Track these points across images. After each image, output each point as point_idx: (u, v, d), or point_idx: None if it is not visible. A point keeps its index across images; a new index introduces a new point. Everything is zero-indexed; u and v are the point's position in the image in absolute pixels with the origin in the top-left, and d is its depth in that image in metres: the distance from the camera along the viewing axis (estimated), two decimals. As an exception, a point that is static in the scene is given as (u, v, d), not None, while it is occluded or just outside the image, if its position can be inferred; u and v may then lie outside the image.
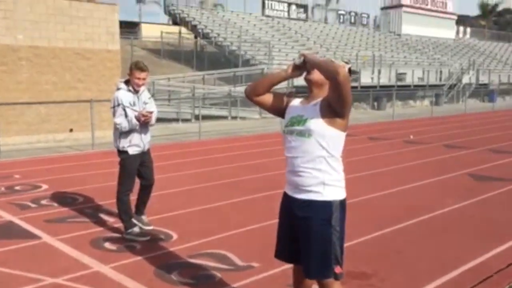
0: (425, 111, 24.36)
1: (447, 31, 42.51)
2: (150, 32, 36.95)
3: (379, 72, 27.44)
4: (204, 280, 4.08)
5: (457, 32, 45.38)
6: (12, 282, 3.97)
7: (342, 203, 2.86)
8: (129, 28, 42.89)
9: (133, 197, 5.25)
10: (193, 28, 28.65)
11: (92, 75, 13.42)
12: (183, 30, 30.55)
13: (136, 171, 5.11)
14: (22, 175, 8.22)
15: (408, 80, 29.03)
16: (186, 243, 4.95)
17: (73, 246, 4.82)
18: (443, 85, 31.15)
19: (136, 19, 46.37)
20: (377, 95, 25.67)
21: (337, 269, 2.76)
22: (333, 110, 2.74)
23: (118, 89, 5.04)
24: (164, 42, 29.53)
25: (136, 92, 5.02)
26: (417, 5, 40.01)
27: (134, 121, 4.85)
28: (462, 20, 48.23)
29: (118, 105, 4.91)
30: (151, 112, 4.97)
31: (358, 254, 4.60)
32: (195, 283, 4.02)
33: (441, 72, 32.43)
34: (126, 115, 4.89)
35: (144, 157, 5.14)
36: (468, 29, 48.28)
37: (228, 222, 5.68)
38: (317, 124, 2.76)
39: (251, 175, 8.06)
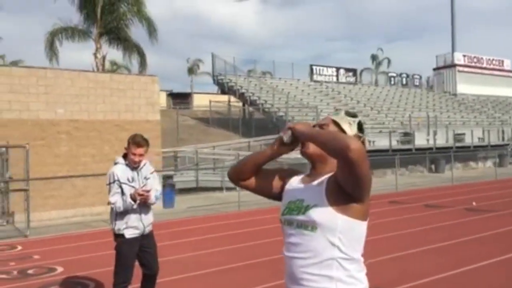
0: (488, 173, 22.54)
1: (506, 89, 40.57)
2: (201, 101, 37.66)
3: (435, 133, 26.04)
4: None
5: (517, 89, 43.28)
6: None
7: None
8: (182, 98, 44.21)
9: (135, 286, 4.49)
10: (241, 96, 28.73)
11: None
12: (232, 98, 30.78)
13: (134, 258, 4.38)
14: (42, 255, 7.69)
15: (467, 141, 27.35)
16: None
17: None
18: (507, 144, 29.14)
19: (188, 90, 47.68)
20: (434, 157, 24.19)
21: None
22: (345, 193, 1.93)
23: (115, 163, 4.44)
24: (212, 111, 29.78)
25: (135, 167, 4.40)
26: (472, 64, 38.70)
27: (129, 200, 4.20)
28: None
29: (114, 181, 4.29)
30: (148, 191, 4.29)
31: None
32: None
33: (503, 131, 30.49)
34: (123, 193, 4.25)
35: (144, 241, 4.42)
36: (529, 85, 46.00)
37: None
38: (324, 213, 1.95)
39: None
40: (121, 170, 4.34)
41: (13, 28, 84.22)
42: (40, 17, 54.14)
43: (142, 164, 4.46)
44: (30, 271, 6.72)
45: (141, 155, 4.34)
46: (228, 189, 17.44)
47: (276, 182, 2.25)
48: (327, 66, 35.08)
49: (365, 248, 2.02)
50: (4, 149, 11.17)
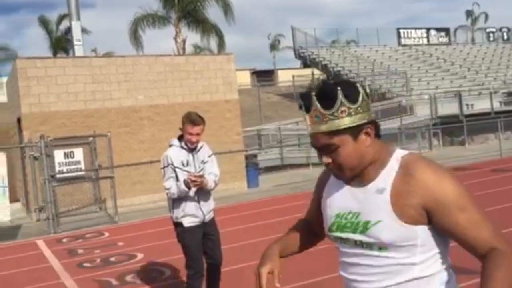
0: None
1: None
2: (285, 77, 37.16)
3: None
4: None
5: None
6: None
7: None
8: (266, 76, 44.04)
9: None
10: (324, 68, 27.83)
11: (211, 127, 13.06)
12: (315, 71, 29.96)
13: (200, 248, 4.06)
14: (126, 242, 7.77)
15: None
16: None
17: None
18: None
19: (272, 67, 47.37)
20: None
21: None
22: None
23: (170, 145, 4.14)
24: (296, 86, 29.23)
25: (191, 150, 4.05)
26: None
27: (183, 187, 3.86)
28: None
29: (168, 165, 3.99)
30: (201, 176, 3.92)
31: None
32: None
33: None
34: (177, 178, 3.93)
35: (206, 229, 4.09)
36: None
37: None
38: (396, 231, 1.41)
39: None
40: (175, 153, 4.03)
41: (104, 22, 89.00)
42: (128, 10, 56.37)
43: (199, 146, 4.10)
44: (112, 259, 6.77)
45: (198, 134, 3.98)
46: (315, 164, 16.90)
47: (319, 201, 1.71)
48: (415, 28, 32.84)
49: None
50: (91, 138, 11.56)
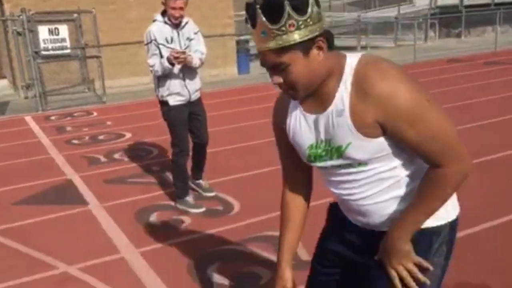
0: None
1: None
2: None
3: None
4: (246, 281, 3.01)
5: None
6: (21, 267, 3.33)
7: (455, 222, 1.53)
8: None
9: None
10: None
11: (201, 9, 12.57)
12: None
13: (185, 126, 4.08)
14: (115, 121, 7.82)
15: None
16: (247, 218, 3.90)
17: (115, 218, 4.07)
18: None
19: None
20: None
21: None
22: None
23: (154, 21, 3.96)
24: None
25: (175, 26, 3.89)
26: None
27: (166, 64, 3.76)
28: None
29: (151, 41, 3.86)
30: (184, 52, 3.80)
31: (478, 250, 3.09)
32: (232, 285, 2.97)
33: None
34: (161, 56, 3.83)
35: (193, 109, 4.08)
36: None
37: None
38: (368, 147, 1.38)
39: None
40: (158, 29, 3.87)
41: None
42: None
43: (183, 22, 3.93)
44: (100, 137, 6.86)
45: (181, 8, 3.78)
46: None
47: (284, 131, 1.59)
48: None
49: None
50: (76, 15, 11.10)
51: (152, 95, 10.14)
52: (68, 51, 11.04)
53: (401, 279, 1.43)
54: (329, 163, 1.47)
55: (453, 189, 1.39)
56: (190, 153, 4.25)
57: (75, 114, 8.61)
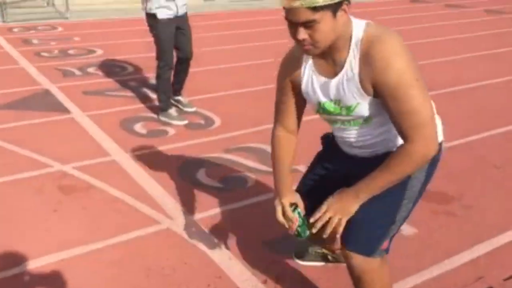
0: None
1: None
2: None
3: None
4: (232, 184, 3.29)
5: None
6: (15, 165, 3.46)
7: (439, 146, 1.72)
8: None
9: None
10: None
11: None
12: None
13: (172, 40, 4.19)
14: (82, 38, 7.66)
15: None
16: (228, 132, 4.14)
17: (100, 126, 4.20)
18: None
19: None
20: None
21: (384, 244, 1.77)
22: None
23: None
24: None
25: None
26: None
27: None
28: None
29: None
30: None
31: (441, 165, 3.50)
32: (219, 187, 3.24)
33: None
34: None
35: (179, 24, 4.17)
36: None
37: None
38: (373, 106, 1.59)
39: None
40: None
41: None
42: None
43: None
44: (70, 51, 6.77)
45: None
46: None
47: (296, 93, 1.77)
48: None
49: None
50: None
51: (117, 15, 10.01)
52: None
53: (326, 224, 1.65)
54: (338, 117, 1.69)
55: (412, 169, 1.56)
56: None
57: (39, 28, 8.33)
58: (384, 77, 1.47)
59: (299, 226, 1.75)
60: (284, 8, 1.46)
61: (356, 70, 1.53)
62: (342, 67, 1.57)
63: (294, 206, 1.77)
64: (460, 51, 7.13)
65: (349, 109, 1.62)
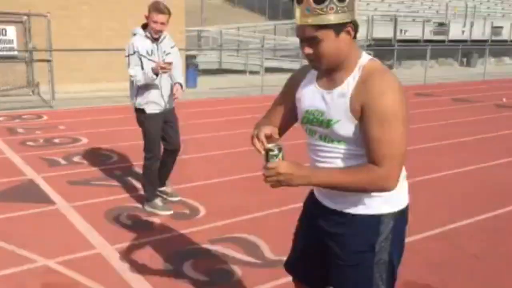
0: (523, 70, 21.65)
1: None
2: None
3: (472, 24, 24.65)
4: (218, 278, 3.30)
5: None
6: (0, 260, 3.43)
7: (401, 214, 1.83)
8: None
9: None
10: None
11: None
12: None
13: (159, 133, 4.35)
14: (68, 126, 7.83)
15: (505, 35, 25.93)
16: (213, 222, 4.19)
17: (85, 217, 4.22)
18: (547, 41, 27.58)
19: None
20: (468, 50, 23.16)
21: None
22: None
23: (134, 34, 4.21)
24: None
25: (155, 39, 4.17)
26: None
27: (151, 74, 4.03)
28: None
29: (134, 53, 4.09)
30: (170, 63, 4.10)
31: (422, 255, 3.59)
32: (206, 281, 3.25)
33: (545, 26, 28.68)
34: (142, 67, 4.09)
35: (167, 117, 4.36)
36: None
37: (270, 197, 4.83)
38: (351, 129, 1.71)
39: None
40: (140, 41, 4.12)
41: None
42: None
43: (162, 36, 4.22)
44: (56, 140, 6.88)
45: (162, 23, 4.08)
46: (252, 72, 17.20)
47: (291, 106, 1.94)
48: None
49: None
50: (25, 17, 10.94)
51: (101, 102, 10.28)
52: (15, 53, 10.83)
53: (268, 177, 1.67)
54: (317, 129, 1.79)
55: (365, 186, 1.64)
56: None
57: (25, 117, 8.50)
58: (377, 102, 1.60)
59: (275, 155, 1.69)
60: (297, 26, 1.67)
61: (351, 88, 1.67)
62: (340, 84, 1.71)
63: (278, 148, 1.71)
64: (430, 139, 7.46)
65: (329, 123, 1.73)
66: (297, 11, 1.64)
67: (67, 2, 11.69)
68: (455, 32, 23.73)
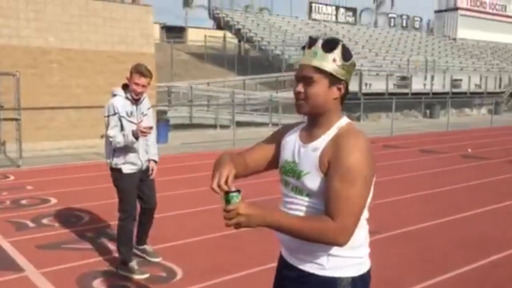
0: (483, 120, 22.57)
1: (506, 36, 39.85)
2: (196, 36, 36.66)
3: (432, 78, 25.80)
4: None
5: (518, 37, 42.52)
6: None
7: (361, 279, 1.82)
8: (176, 32, 42.97)
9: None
10: (237, 32, 27.98)
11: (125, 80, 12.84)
12: (228, 34, 29.98)
13: (135, 193, 4.27)
14: (36, 186, 7.60)
15: (464, 87, 27.18)
16: (192, 285, 4.05)
17: (57, 284, 4.02)
18: (503, 92, 29.03)
19: (183, 24, 46.30)
20: (430, 102, 24.07)
21: None
22: None
23: (114, 95, 4.21)
24: (208, 46, 29.12)
25: (135, 100, 4.18)
26: (475, 8, 37.70)
27: (131, 137, 3.99)
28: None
29: (114, 114, 4.07)
30: (150, 127, 4.09)
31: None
32: None
33: (500, 78, 30.26)
34: (122, 128, 4.06)
35: (143, 176, 4.31)
36: (530, 33, 45.08)
37: (247, 255, 4.74)
38: (317, 183, 1.76)
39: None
40: (120, 103, 4.11)
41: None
42: None
43: (141, 98, 4.24)
44: (23, 202, 6.65)
45: (144, 86, 4.11)
46: (222, 126, 17.33)
47: (275, 149, 2.00)
48: (326, 4, 34.04)
49: None
50: (-7, 76, 10.82)
51: (69, 160, 10.09)
52: (-19, 111, 10.62)
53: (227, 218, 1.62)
54: (290, 179, 1.85)
55: (318, 238, 1.65)
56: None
57: (-10, 178, 8.23)
58: (344, 158, 1.68)
59: (235, 197, 1.65)
60: (299, 65, 1.81)
61: (323, 144, 1.77)
62: (315, 139, 1.81)
63: (237, 190, 1.67)
64: (398, 191, 7.52)
65: (300, 174, 1.80)
66: (305, 53, 1.80)
67: (36, 61, 11.67)
68: (417, 85, 24.73)
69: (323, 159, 1.74)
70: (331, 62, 1.76)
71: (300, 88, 1.79)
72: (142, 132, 3.97)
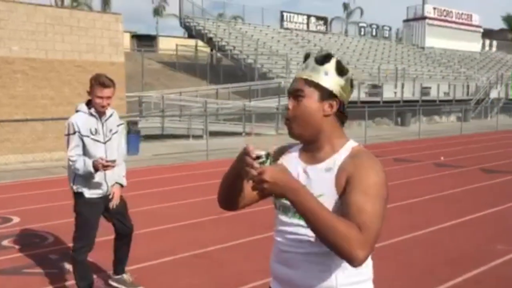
0: (453, 127, 22.90)
1: (473, 44, 40.87)
2: (168, 45, 36.30)
3: (403, 86, 26.14)
4: None
5: (483, 46, 43.67)
6: None
7: None
8: (147, 41, 42.50)
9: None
10: (209, 41, 27.80)
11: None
12: (199, 43, 29.76)
13: (97, 221, 3.85)
14: (-3, 204, 7.19)
15: (433, 95, 27.63)
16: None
17: (15, 314, 3.70)
18: (470, 99, 29.62)
19: (153, 33, 45.84)
20: (401, 110, 24.33)
21: None
22: None
23: (77, 111, 3.83)
24: (179, 56, 28.80)
25: (100, 116, 3.84)
26: (442, 18, 38.54)
27: (90, 168, 3.60)
28: (487, 34, 46.32)
29: (74, 132, 3.67)
30: (114, 161, 3.69)
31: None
32: None
33: (468, 86, 30.95)
34: (84, 148, 3.69)
35: (108, 204, 3.90)
36: (494, 42, 46.42)
37: (223, 274, 4.50)
38: (332, 205, 1.57)
39: (261, 206, 6.84)
40: (82, 120, 3.72)
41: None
42: None
43: (108, 113, 3.89)
44: (-17, 221, 6.25)
45: (108, 97, 3.72)
46: (195, 137, 17.04)
47: None
48: (298, 14, 34.24)
49: None
50: (-47, 87, 10.32)
51: (35, 175, 9.65)
52: None
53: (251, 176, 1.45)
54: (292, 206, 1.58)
55: (338, 241, 1.43)
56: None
57: None
58: (364, 175, 1.54)
59: (263, 162, 1.46)
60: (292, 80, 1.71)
61: (338, 163, 1.62)
62: (325, 160, 1.65)
63: (266, 154, 1.48)
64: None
65: None
66: (302, 67, 1.70)
67: (0, 71, 11.20)
68: (388, 93, 24.99)
69: (340, 179, 1.59)
70: (323, 75, 1.64)
71: (290, 104, 1.67)
72: (104, 166, 3.59)
